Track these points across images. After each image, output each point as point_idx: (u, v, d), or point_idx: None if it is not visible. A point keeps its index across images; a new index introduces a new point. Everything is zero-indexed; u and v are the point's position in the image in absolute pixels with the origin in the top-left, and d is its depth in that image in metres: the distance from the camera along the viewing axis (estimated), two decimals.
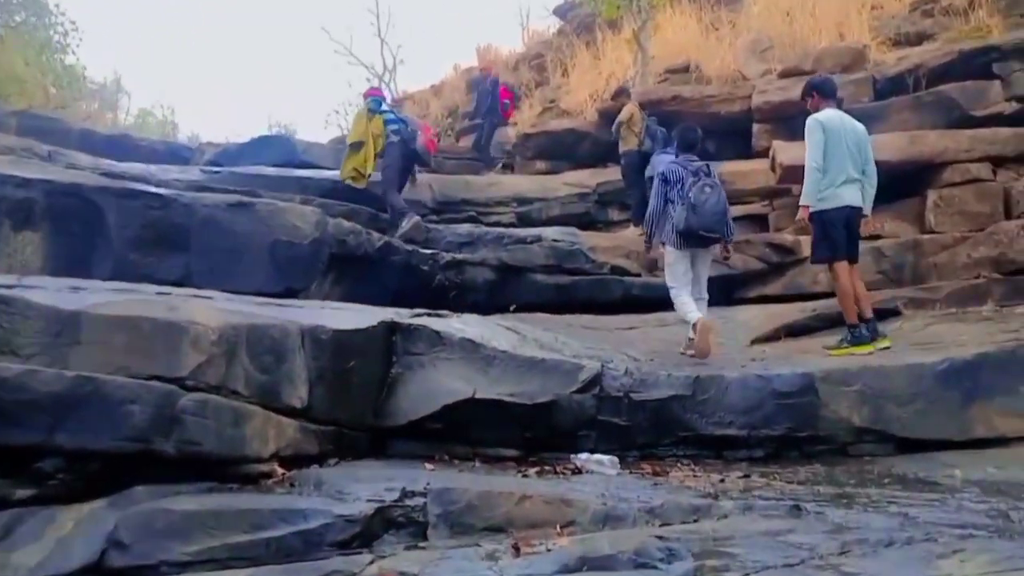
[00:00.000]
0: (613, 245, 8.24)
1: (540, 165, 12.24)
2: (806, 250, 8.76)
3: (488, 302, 7.13)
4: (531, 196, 10.02)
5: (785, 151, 9.11)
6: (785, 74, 11.42)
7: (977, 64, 10.10)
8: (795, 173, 9.28)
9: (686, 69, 13.19)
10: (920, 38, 11.96)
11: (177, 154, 11.25)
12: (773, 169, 9.59)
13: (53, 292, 3.86)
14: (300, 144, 11.44)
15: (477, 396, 4.61)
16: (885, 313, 7.30)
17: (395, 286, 6.64)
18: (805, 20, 12.61)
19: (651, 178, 7.13)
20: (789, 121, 10.86)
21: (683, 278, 5.99)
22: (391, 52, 25.24)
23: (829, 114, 5.92)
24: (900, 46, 11.95)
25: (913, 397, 4.94)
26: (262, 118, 43.33)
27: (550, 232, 8.11)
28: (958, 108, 9.56)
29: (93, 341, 3.62)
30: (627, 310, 7.82)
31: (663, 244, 6.14)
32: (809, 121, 5.96)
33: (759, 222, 10.16)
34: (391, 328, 4.84)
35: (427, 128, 9.25)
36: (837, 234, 5.88)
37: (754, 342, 6.93)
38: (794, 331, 7.29)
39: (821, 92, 6.12)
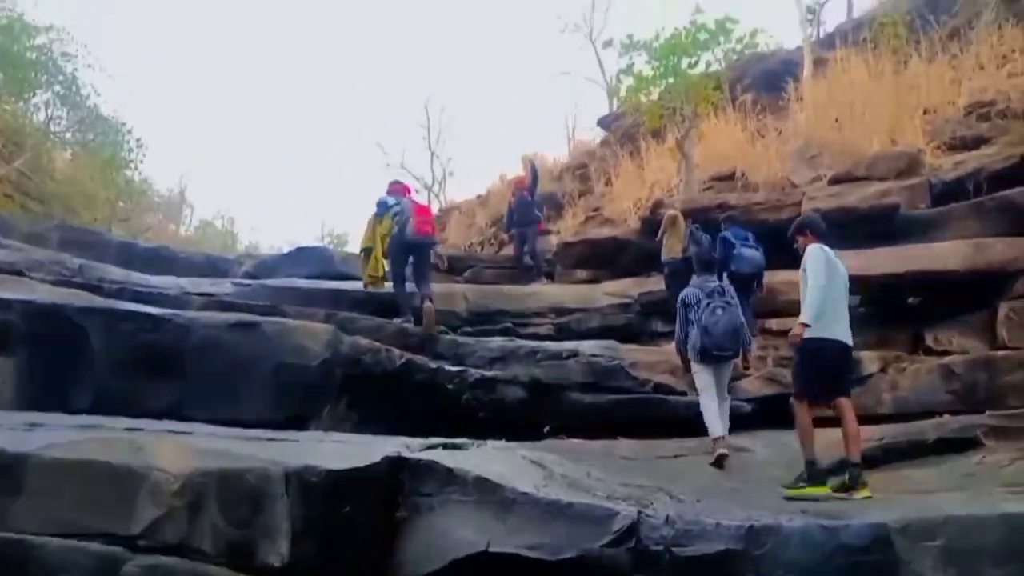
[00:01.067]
0: (656, 360, 7.53)
1: (580, 274, 11.68)
2: (868, 366, 7.95)
3: (520, 422, 6.46)
4: (570, 306, 9.42)
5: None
6: (836, 180, 10.82)
7: None
8: (853, 285, 8.59)
9: (732, 176, 12.70)
10: (977, 142, 11.31)
11: (216, 266, 11.03)
12: None
13: (4, 431, 3.34)
14: (338, 255, 11.14)
15: (491, 549, 3.89)
16: (962, 444, 6.40)
17: (419, 407, 6.03)
18: (855, 126, 12.09)
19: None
20: (840, 229, 10.18)
21: (708, 388, 6.35)
22: (441, 164, 25.53)
23: (827, 250, 5.76)
24: (956, 150, 11.31)
25: (1011, 555, 4.05)
26: (317, 229, 43.97)
27: (588, 346, 7.47)
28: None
29: (39, 491, 3.06)
30: (672, 432, 7.05)
31: (691, 360, 6.52)
32: (811, 247, 5.74)
33: None
34: (397, 465, 4.19)
35: (421, 210, 8.47)
36: (822, 369, 5.49)
37: None
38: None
39: (814, 231, 6.00)
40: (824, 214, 10.25)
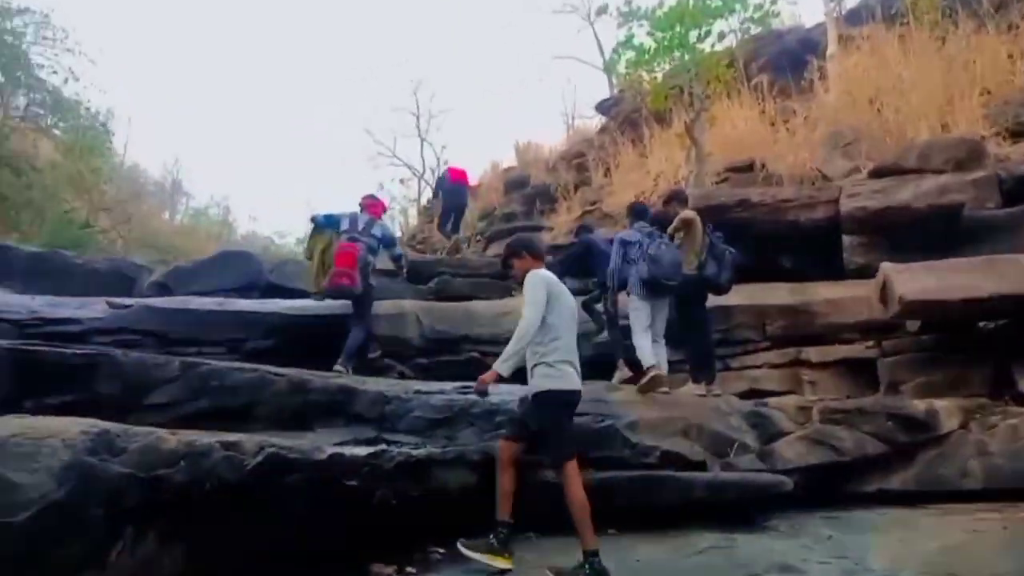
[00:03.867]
0: (665, 417, 5.31)
1: (569, 284, 9.38)
2: (946, 420, 5.70)
3: (464, 520, 4.27)
4: None
5: (907, 281, 6.14)
6: (879, 173, 8.59)
7: None
8: (920, 311, 6.32)
9: (750, 167, 10.45)
10: None
11: (122, 274, 8.77)
12: (883, 300, 6.61)
13: None
14: (268, 262, 8.82)
15: None
16: None
17: (296, 521, 3.74)
18: (898, 109, 9.78)
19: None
20: (890, 233, 7.96)
21: (645, 328, 6.10)
22: (435, 152, 23.26)
23: (550, 275, 4.36)
24: (1020, 138, 9.05)
25: None
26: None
27: None
28: None
29: None
30: (689, 520, 4.86)
31: (628, 295, 6.26)
32: (530, 276, 4.29)
33: (863, 372, 7.09)
34: None
35: (344, 253, 6.35)
36: (567, 424, 4.23)
37: None
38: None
39: (532, 252, 4.51)
40: (869, 216, 8.10)
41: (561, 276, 4.59)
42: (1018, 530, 4.45)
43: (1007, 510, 5.00)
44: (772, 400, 6.09)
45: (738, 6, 10.05)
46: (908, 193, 7.88)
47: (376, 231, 6.75)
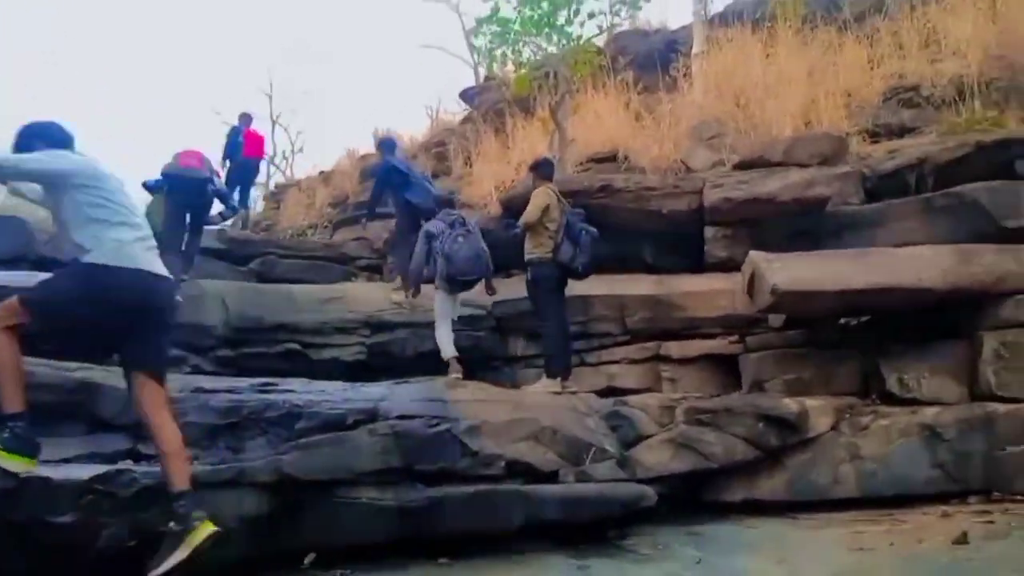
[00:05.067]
0: (513, 420, 4.37)
1: None
2: (816, 420, 5.13)
3: (250, 560, 3.15)
4: (394, 318, 6.17)
5: (779, 271, 5.56)
6: (745, 165, 8.14)
7: (998, 161, 7.00)
8: (793, 303, 5.75)
9: (613, 158, 9.82)
10: (902, 130, 9.03)
11: None
12: (750, 292, 6.04)
13: None
14: (45, 232, 7.11)
15: None
16: None
17: None
18: (762, 106, 9.45)
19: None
20: (754, 226, 7.50)
21: (447, 317, 6.13)
22: (289, 138, 21.54)
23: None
24: (879, 138, 8.92)
25: None
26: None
27: (398, 400, 4.07)
28: (985, 215, 6.26)
29: None
30: (536, 540, 3.97)
31: (436, 287, 6.21)
32: None
33: (726, 368, 6.51)
34: None
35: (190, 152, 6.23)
36: (102, 315, 3.03)
37: None
38: None
39: None
40: (733, 207, 7.62)
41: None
42: (906, 544, 3.84)
43: (885, 520, 4.44)
44: (632, 399, 5.33)
45: None
46: (775, 185, 7.42)
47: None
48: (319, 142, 46.96)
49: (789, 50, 10.59)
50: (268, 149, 11.51)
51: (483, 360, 6.57)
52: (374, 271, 8.53)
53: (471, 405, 4.36)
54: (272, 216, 16.10)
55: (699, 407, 4.97)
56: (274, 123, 21.06)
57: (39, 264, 6.19)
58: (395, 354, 6.07)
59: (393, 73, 41.85)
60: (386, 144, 7.46)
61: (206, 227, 6.68)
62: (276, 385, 4.05)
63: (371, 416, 3.84)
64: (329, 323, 5.81)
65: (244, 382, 4.08)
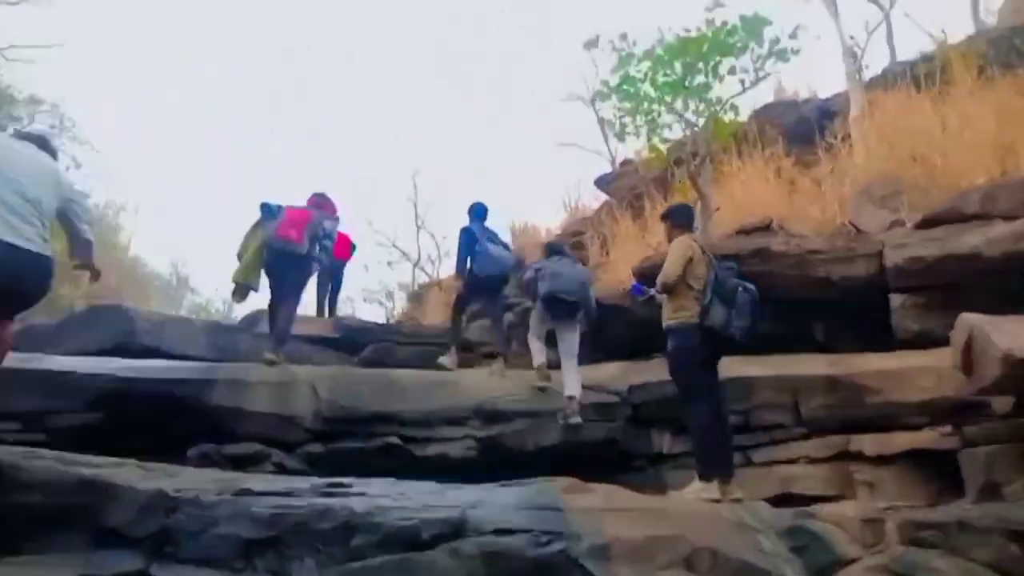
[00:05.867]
0: (654, 536, 3.15)
1: (543, 357, 7.35)
2: None
3: None
4: (509, 407, 5.15)
5: (1010, 333, 4.14)
6: (932, 222, 6.71)
7: None
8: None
9: (767, 228, 8.58)
10: None
11: None
12: (965, 366, 4.59)
13: None
14: (147, 320, 6.75)
15: None
16: None
17: None
18: (943, 157, 8.03)
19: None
20: (954, 290, 6.02)
21: (541, 335, 6.06)
22: (435, 242, 21.67)
23: None
24: None
25: None
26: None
27: (496, 504, 3.06)
28: None
29: None
30: None
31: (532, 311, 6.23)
32: None
33: (939, 468, 4.97)
34: None
35: (295, 213, 5.67)
36: None
37: None
38: None
39: None
40: (927, 266, 6.21)
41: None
42: None
43: None
44: (820, 509, 3.96)
45: (752, 45, 8.41)
46: (976, 239, 6.01)
47: (328, 224, 5.92)
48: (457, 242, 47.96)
49: (966, 98, 9.16)
50: (355, 252, 10.66)
51: (620, 459, 5.38)
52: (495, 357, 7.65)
53: (597, 516, 3.21)
54: (415, 315, 16.04)
55: (919, 520, 3.56)
56: (419, 228, 21.32)
57: (142, 353, 5.79)
58: (510, 447, 5.04)
59: (531, 173, 42.49)
60: (473, 210, 6.84)
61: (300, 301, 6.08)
62: (346, 487, 3.14)
63: (456, 530, 2.81)
64: (436, 413, 4.87)
65: (307, 483, 3.20)
